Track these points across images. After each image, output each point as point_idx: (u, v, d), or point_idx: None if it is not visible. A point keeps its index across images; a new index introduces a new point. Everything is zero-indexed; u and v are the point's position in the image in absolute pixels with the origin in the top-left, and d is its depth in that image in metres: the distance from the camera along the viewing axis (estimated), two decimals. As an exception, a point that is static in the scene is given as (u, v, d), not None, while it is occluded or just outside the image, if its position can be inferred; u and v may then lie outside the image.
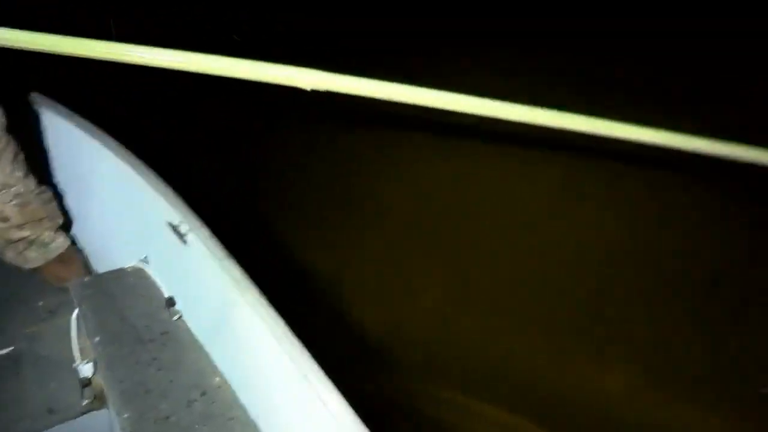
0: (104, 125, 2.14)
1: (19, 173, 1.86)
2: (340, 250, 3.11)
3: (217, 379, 1.48)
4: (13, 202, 1.85)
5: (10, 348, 1.77)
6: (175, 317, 1.66)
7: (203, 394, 1.45)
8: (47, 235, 1.95)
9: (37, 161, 2.10)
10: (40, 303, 1.94)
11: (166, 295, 1.72)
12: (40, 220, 1.93)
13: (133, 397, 1.43)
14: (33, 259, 1.95)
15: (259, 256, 1.73)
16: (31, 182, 1.91)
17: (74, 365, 1.68)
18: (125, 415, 1.39)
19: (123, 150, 1.96)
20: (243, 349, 1.44)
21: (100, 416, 1.63)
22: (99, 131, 2.09)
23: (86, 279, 1.82)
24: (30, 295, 1.96)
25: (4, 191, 1.83)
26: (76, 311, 1.77)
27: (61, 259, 1.99)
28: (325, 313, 2.70)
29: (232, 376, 1.48)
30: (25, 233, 1.90)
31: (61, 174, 2.29)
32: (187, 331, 1.63)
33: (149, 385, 1.46)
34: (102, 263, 2.07)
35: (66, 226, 2.06)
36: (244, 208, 3.38)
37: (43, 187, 1.96)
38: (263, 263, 1.59)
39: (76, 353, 1.72)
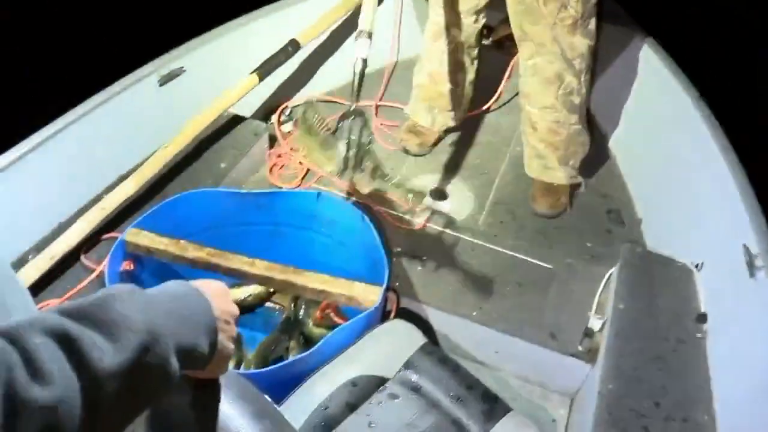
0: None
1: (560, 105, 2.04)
2: None
3: (706, 417, 1.40)
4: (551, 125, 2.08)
5: (549, 266, 1.97)
6: (699, 335, 1.59)
7: (684, 420, 1.39)
8: (553, 162, 2.15)
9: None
10: (589, 244, 2.08)
11: (702, 309, 1.65)
12: (556, 147, 2.12)
13: (623, 377, 1.47)
14: (533, 168, 2.20)
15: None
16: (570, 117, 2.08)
17: (588, 313, 1.79)
18: (609, 386, 1.45)
19: (725, 141, 1.85)
20: (756, 411, 1.31)
21: (582, 368, 1.73)
22: (703, 105, 2.01)
23: (639, 249, 1.87)
24: (582, 235, 2.13)
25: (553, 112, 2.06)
26: (614, 268, 1.86)
27: (546, 188, 2.20)
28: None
29: (725, 428, 1.37)
30: (537, 144, 2.14)
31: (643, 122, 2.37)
32: (704, 355, 1.55)
33: (642, 377, 1.47)
34: (654, 239, 2.09)
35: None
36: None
37: (580, 129, 2.12)
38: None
39: (594, 304, 1.83)
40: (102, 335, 0.50)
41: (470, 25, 2.14)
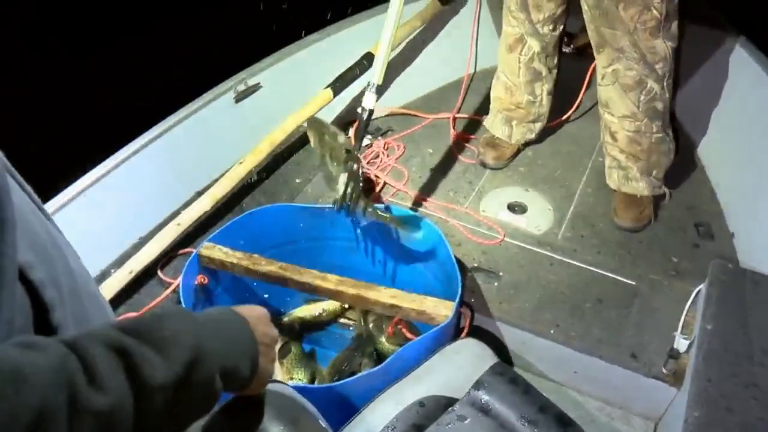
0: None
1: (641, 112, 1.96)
2: None
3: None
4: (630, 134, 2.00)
5: (632, 282, 1.88)
6: (797, 359, 1.47)
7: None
8: (635, 173, 2.06)
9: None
10: (674, 259, 1.98)
11: (801, 332, 1.53)
12: (637, 158, 2.04)
13: (712, 404, 1.37)
14: (614, 178, 2.11)
15: None
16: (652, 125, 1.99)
17: (673, 333, 1.69)
18: (696, 414, 1.35)
19: None
20: None
21: (667, 391, 1.63)
22: None
23: (730, 266, 1.75)
24: (670, 248, 2.02)
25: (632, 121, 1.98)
26: (702, 285, 1.75)
27: (629, 200, 2.10)
28: None
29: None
30: (618, 154, 2.06)
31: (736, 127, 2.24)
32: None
33: (734, 406, 1.36)
34: (747, 254, 1.96)
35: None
36: None
37: (663, 137, 2.03)
38: None
39: (681, 323, 1.73)
40: (154, 351, 0.53)
41: (547, 34, 2.08)
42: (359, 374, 1.37)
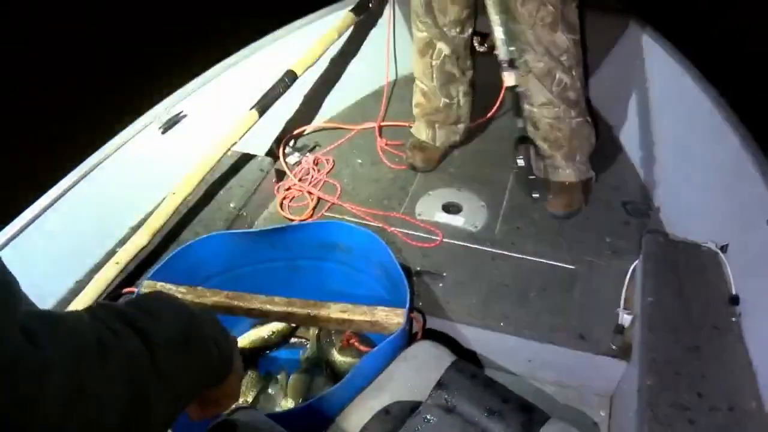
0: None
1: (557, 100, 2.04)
2: None
3: (753, 403, 1.36)
4: (550, 121, 2.07)
5: (571, 266, 1.94)
6: (733, 318, 1.55)
7: (730, 409, 1.35)
8: (558, 160, 2.15)
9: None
10: (608, 239, 2.05)
11: (733, 291, 1.62)
12: (559, 145, 2.12)
13: (661, 371, 1.43)
14: (541, 168, 2.19)
15: None
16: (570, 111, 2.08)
17: (616, 309, 1.76)
18: (648, 382, 1.41)
19: (734, 117, 1.84)
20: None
21: (617, 366, 1.69)
22: (705, 81, 2.01)
23: (661, 238, 1.83)
24: (600, 231, 2.09)
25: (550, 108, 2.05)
26: (638, 261, 1.83)
27: (558, 187, 2.18)
28: None
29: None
30: (541, 143, 2.14)
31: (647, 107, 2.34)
32: (740, 338, 1.51)
33: (681, 369, 1.43)
34: (674, 225, 2.06)
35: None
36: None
37: (581, 122, 2.11)
38: None
39: (622, 299, 1.79)
40: (153, 318, 0.63)
41: (456, 37, 2.13)
42: (322, 394, 1.36)
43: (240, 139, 2.07)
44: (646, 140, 2.36)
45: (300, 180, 2.28)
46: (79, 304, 1.62)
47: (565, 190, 2.17)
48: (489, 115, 2.47)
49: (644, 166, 2.34)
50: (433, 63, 2.19)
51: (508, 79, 1.95)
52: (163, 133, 2.03)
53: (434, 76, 2.21)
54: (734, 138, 1.78)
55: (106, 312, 0.60)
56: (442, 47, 2.15)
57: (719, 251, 1.76)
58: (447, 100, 2.26)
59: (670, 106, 2.21)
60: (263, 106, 2.14)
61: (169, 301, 0.70)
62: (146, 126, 2.00)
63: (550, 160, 2.14)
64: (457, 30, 2.11)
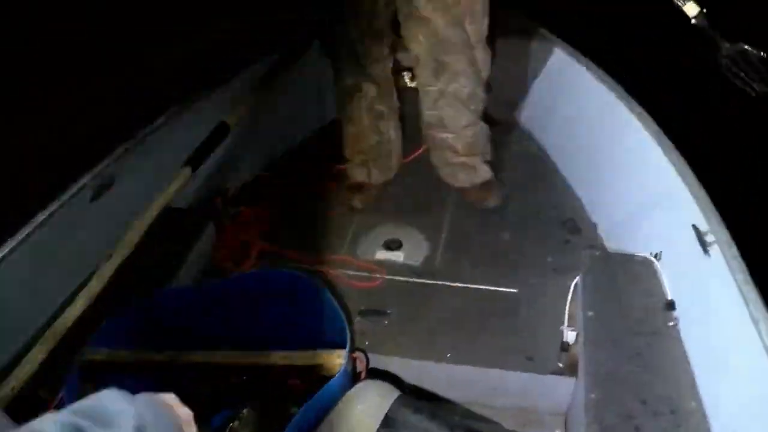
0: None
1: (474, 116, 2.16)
2: None
3: (693, 404, 1.37)
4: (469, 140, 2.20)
5: (515, 290, 1.96)
6: (671, 323, 1.58)
7: (672, 412, 1.36)
8: (478, 164, 2.24)
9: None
10: (549, 259, 2.08)
11: (669, 297, 1.64)
12: (476, 153, 2.23)
13: (605, 383, 1.43)
14: (462, 180, 2.30)
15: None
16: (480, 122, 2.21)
17: (561, 327, 1.77)
18: (591, 395, 1.41)
19: (654, 126, 1.91)
20: (737, 385, 1.29)
21: (567, 383, 1.70)
22: (628, 97, 2.09)
23: (597, 253, 1.86)
24: (541, 251, 2.12)
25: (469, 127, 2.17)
26: (578, 278, 1.85)
27: (484, 186, 2.29)
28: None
29: (712, 408, 1.34)
30: (462, 159, 2.25)
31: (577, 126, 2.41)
32: (678, 341, 1.53)
33: (623, 378, 1.44)
34: (611, 239, 2.10)
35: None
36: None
37: (485, 125, 2.24)
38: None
39: (566, 317, 1.80)
40: (102, 427, 0.62)
41: (380, 75, 2.18)
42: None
43: (175, 196, 2.05)
44: (579, 160, 2.42)
45: (238, 230, 2.26)
46: (18, 377, 1.56)
47: (487, 186, 2.30)
48: (422, 149, 2.50)
49: (580, 184, 2.39)
50: (362, 104, 2.22)
51: (691, 10, 1.72)
52: (92, 200, 2.00)
53: (363, 116, 2.24)
54: (658, 149, 1.84)
55: (59, 426, 0.59)
56: (368, 88, 2.19)
57: (654, 259, 1.79)
58: (378, 138, 2.30)
59: (598, 124, 2.27)
60: (197, 160, 2.14)
61: (122, 403, 0.68)
62: (75, 195, 1.96)
63: (472, 169, 2.27)
64: (381, 68, 2.16)
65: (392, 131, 2.33)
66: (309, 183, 2.54)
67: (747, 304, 1.29)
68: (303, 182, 2.56)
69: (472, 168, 2.27)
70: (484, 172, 2.30)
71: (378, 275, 2.05)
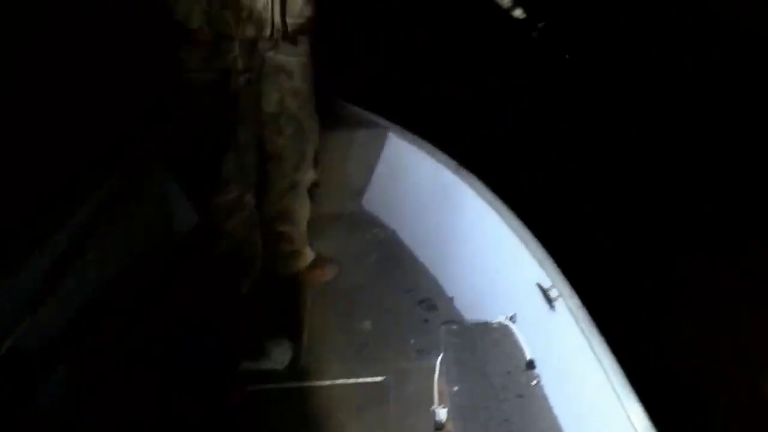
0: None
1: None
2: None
3: (566, 459, 1.36)
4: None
5: (382, 377, 1.90)
6: (533, 382, 1.58)
7: (550, 473, 1.34)
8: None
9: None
10: (412, 341, 2.06)
11: (528, 357, 1.66)
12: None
13: (480, 455, 1.40)
14: (310, 254, 2.37)
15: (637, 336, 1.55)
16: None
17: (432, 408, 1.72)
18: (467, 472, 1.36)
19: (489, 194, 2.00)
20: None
21: (448, 462, 1.64)
22: (462, 170, 2.19)
23: (454, 326, 1.86)
24: (404, 332, 2.10)
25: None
26: (441, 356, 1.83)
27: (314, 265, 2.37)
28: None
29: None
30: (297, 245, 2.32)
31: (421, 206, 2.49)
32: (543, 398, 1.53)
33: (496, 448, 1.41)
34: (468, 310, 2.12)
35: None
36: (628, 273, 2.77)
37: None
38: (639, 344, 1.41)
39: (435, 396, 1.76)
40: None
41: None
42: None
43: None
44: (429, 238, 2.46)
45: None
46: None
47: (318, 263, 2.39)
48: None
49: (433, 262, 2.42)
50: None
51: None
52: None
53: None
54: (495, 215, 1.91)
55: None
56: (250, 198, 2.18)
57: (509, 322, 1.81)
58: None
59: (440, 200, 2.35)
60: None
61: None
62: None
63: (299, 253, 2.34)
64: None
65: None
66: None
67: (595, 353, 1.32)
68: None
69: (299, 253, 2.32)
70: (308, 251, 2.36)
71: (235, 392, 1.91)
